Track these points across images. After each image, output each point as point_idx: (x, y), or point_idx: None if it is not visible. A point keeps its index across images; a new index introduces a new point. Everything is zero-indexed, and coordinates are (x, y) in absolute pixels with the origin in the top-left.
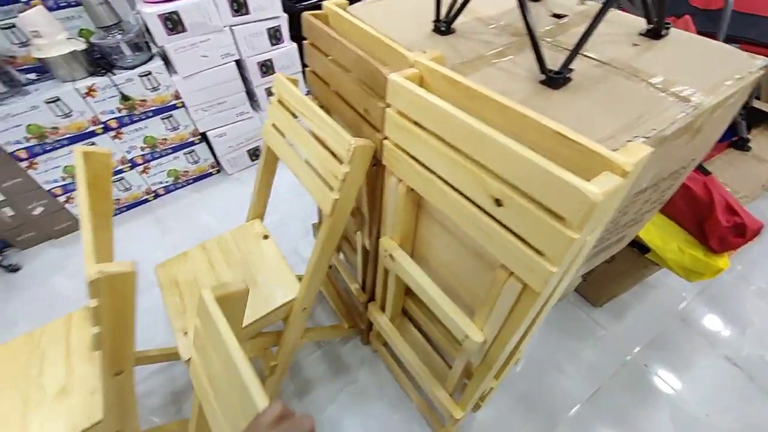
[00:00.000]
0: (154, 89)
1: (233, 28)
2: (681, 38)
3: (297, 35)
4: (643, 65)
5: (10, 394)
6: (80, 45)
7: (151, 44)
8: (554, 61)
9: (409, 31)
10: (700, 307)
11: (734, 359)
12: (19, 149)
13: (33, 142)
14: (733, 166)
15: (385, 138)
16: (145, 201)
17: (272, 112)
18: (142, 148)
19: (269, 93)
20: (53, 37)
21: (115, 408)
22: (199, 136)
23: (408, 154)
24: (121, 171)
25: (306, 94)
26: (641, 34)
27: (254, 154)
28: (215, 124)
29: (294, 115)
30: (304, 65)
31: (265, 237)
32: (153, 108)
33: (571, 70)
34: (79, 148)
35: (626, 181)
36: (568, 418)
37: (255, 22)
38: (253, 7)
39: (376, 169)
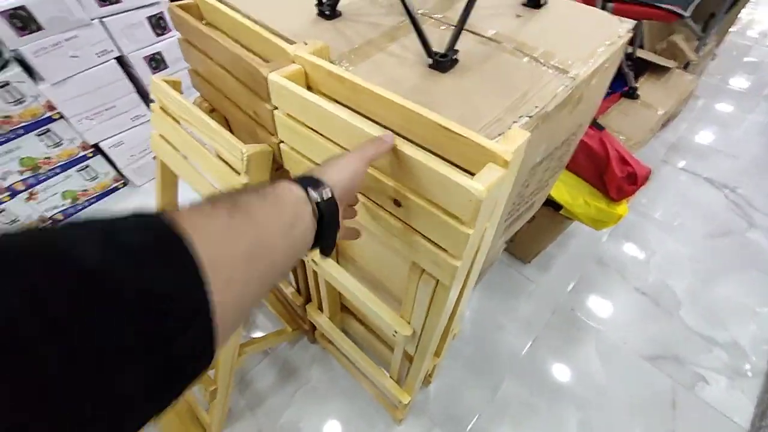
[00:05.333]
0: (18, 102)
1: (104, 20)
2: (559, 7)
3: None
4: (526, 38)
5: None
6: None
7: (2, 49)
8: (442, 40)
9: (292, 17)
10: (612, 246)
11: (642, 288)
12: None
13: None
14: (626, 115)
15: (281, 142)
16: None
17: (156, 121)
18: (21, 172)
19: None
20: None
21: None
22: (92, 149)
23: (306, 158)
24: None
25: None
26: (523, 4)
27: None
28: (108, 133)
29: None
30: None
31: None
32: (22, 124)
33: (456, 51)
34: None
35: (509, 170)
36: (511, 370)
37: (130, 11)
38: None
39: (280, 173)
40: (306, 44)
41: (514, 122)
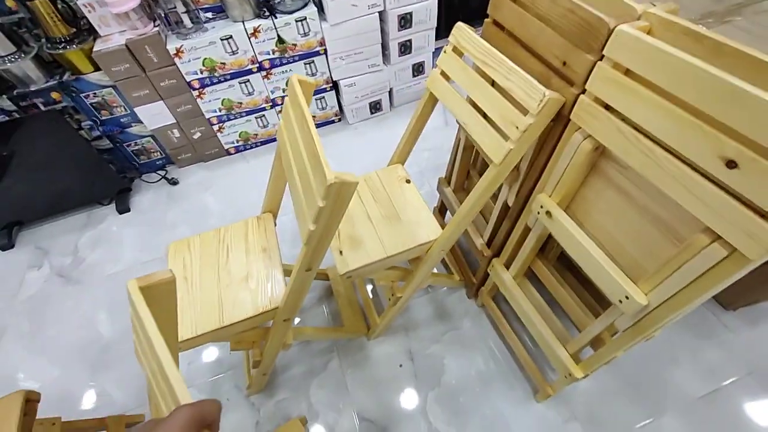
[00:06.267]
0: (305, 35)
1: None
2: None
3: None
4: None
5: (209, 272)
6: None
7: None
8: None
9: None
10: None
11: None
12: (193, 79)
13: (205, 74)
14: None
15: (582, 92)
16: (275, 140)
17: (444, 60)
18: (284, 90)
19: (401, 48)
20: None
21: (292, 298)
22: (331, 84)
23: (612, 110)
24: (263, 109)
25: None
26: None
27: (375, 107)
28: (348, 74)
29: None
30: (484, 15)
31: (408, 181)
32: (300, 53)
33: None
34: (294, 75)
35: None
36: (676, 407)
37: None
38: None
39: (551, 125)
40: (654, 4)
41: None
